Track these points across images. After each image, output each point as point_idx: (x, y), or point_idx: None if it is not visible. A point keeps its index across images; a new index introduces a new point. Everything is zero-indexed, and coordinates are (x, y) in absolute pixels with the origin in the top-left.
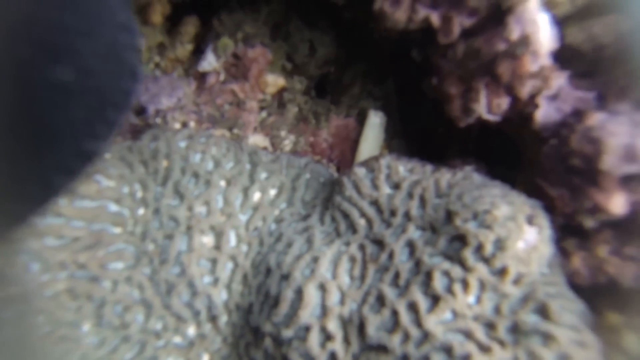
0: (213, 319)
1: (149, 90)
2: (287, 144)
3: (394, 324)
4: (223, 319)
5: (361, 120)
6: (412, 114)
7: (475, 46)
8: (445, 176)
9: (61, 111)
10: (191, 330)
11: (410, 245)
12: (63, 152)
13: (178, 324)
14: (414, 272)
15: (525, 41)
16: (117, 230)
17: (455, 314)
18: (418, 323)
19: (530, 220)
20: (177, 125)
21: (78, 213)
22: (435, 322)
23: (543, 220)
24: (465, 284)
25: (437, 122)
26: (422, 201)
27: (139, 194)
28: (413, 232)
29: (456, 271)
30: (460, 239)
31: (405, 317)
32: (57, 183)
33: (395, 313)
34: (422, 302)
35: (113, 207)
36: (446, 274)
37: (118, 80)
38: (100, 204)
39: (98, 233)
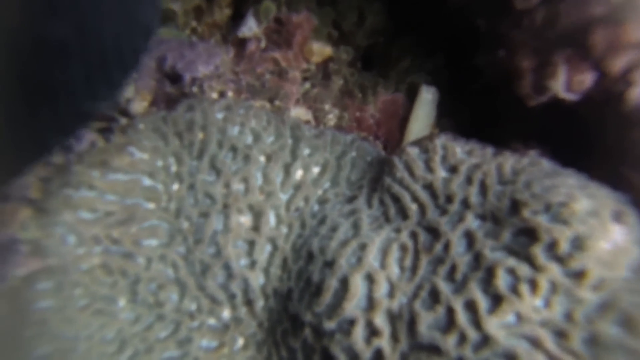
0: (249, 303)
1: (185, 57)
2: (331, 118)
3: (449, 323)
4: (259, 303)
5: (410, 96)
6: (462, 91)
7: (560, 11)
8: (509, 161)
9: (58, 69)
10: (226, 313)
11: (469, 236)
12: (59, 110)
13: (212, 306)
14: (473, 267)
15: (633, 2)
16: (151, 205)
17: (519, 317)
18: (477, 324)
19: (616, 218)
20: (214, 95)
21: (111, 186)
22: (497, 325)
23: (632, 217)
24: (533, 285)
25: (492, 100)
26: (483, 187)
27: (174, 168)
28: (472, 222)
29: (523, 269)
30: (529, 233)
31: (462, 317)
32: (52, 141)
33: (450, 311)
34: (482, 301)
35: (147, 181)
36: (511, 271)
37: (126, 40)
38: (133, 177)
39: (131, 208)
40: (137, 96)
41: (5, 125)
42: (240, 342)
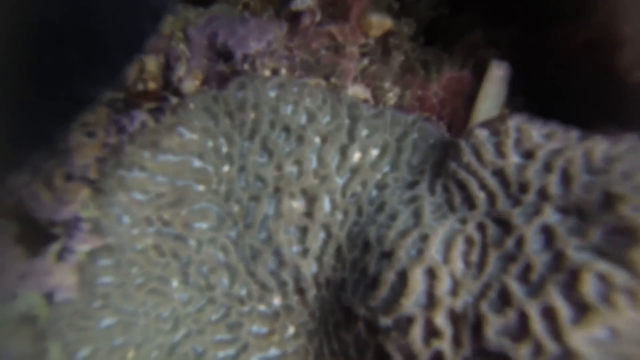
0: (300, 291)
1: (236, 33)
2: (391, 97)
3: (522, 330)
4: (311, 292)
5: (478, 72)
6: (538, 66)
7: None
8: (599, 146)
9: (51, 52)
10: (277, 301)
11: (547, 232)
12: (56, 95)
13: (263, 292)
14: (553, 268)
15: None
16: (201, 187)
17: (614, 333)
18: (556, 335)
19: None
20: (267, 73)
21: (161, 167)
22: (584, 340)
23: None
24: (633, 296)
25: (575, 76)
26: (566, 176)
27: (224, 149)
28: (551, 215)
29: (619, 276)
30: (627, 233)
31: (537, 325)
32: (51, 128)
33: (523, 316)
34: (564, 310)
35: (197, 163)
36: (602, 277)
37: (129, 22)
38: (183, 158)
39: (182, 189)
40: (188, 75)
41: (3, 112)
42: (291, 330)
